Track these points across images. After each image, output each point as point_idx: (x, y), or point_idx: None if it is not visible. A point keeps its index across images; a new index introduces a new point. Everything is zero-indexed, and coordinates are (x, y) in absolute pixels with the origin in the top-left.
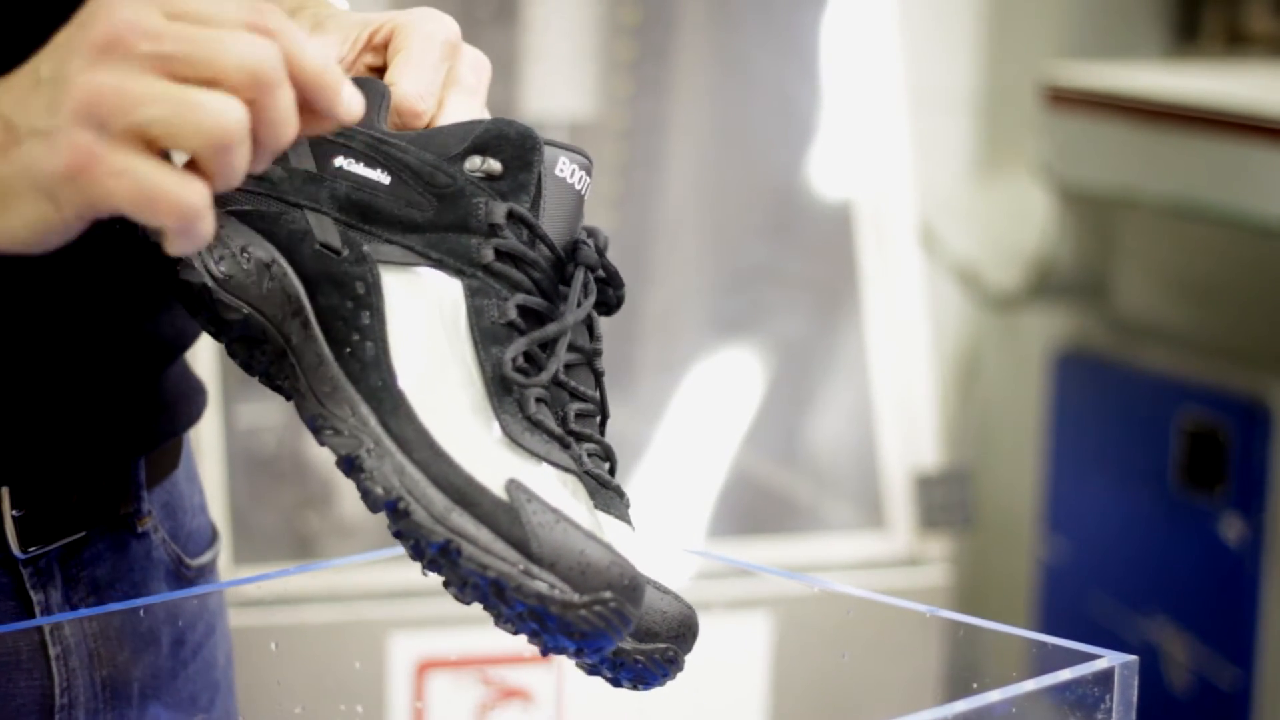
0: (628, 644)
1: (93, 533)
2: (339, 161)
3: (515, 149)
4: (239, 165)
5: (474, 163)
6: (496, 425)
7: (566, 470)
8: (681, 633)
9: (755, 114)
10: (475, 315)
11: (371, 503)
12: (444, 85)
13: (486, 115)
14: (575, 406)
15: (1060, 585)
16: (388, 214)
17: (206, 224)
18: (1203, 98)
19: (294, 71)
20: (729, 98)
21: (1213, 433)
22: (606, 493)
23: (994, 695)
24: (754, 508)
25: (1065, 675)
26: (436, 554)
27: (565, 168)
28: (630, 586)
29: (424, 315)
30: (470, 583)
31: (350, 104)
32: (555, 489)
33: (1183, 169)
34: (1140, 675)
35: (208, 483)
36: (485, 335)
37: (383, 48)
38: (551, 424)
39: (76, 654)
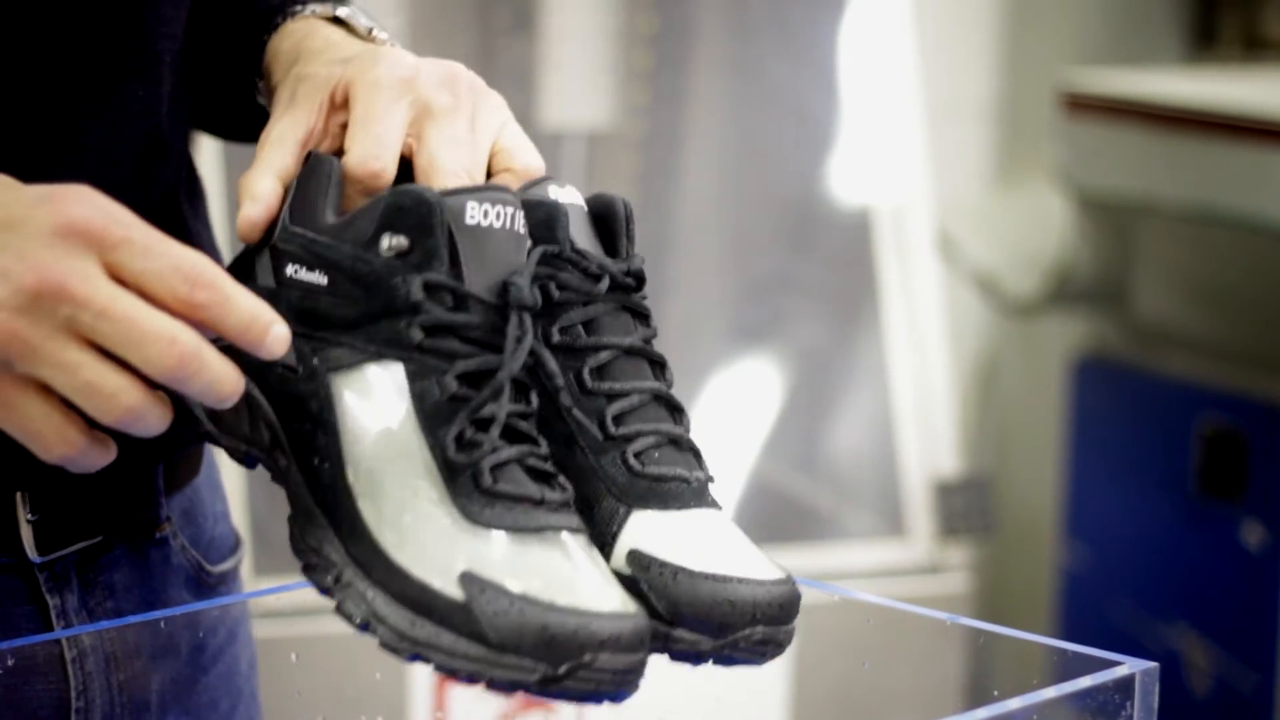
0: (707, 644)
1: (110, 538)
2: (289, 270)
3: (414, 218)
4: (148, 430)
5: (386, 242)
6: (455, 510)
7: (542, 529)
8: (759, 616)
9: (773, 123)
10: (419, 400)
11: (351, 627)
12: (418, 119)
13: (486, 128)
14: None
15: (1081, 592)
16: (330, 315)
17: (97, 451)
18: (1220, 103)
19: (223, 327)
20: (747, 107)
21: (1233, 438)
22: (662, 486)
23: (1015, 702)
24: (774, 516)
25: (1086, 682)
26: (412, 662)
27: (475, 213)
28: (609, 640)
29: (374, 418)
30: (457, 678)
31: (275, 345)
32: (522, 559)
33: (1201, 174)
34: (1161, 681)
35: (229, 495)
36: (431, 418)
37: (344, 106)
38: (516, 485)
39: (93, 658)
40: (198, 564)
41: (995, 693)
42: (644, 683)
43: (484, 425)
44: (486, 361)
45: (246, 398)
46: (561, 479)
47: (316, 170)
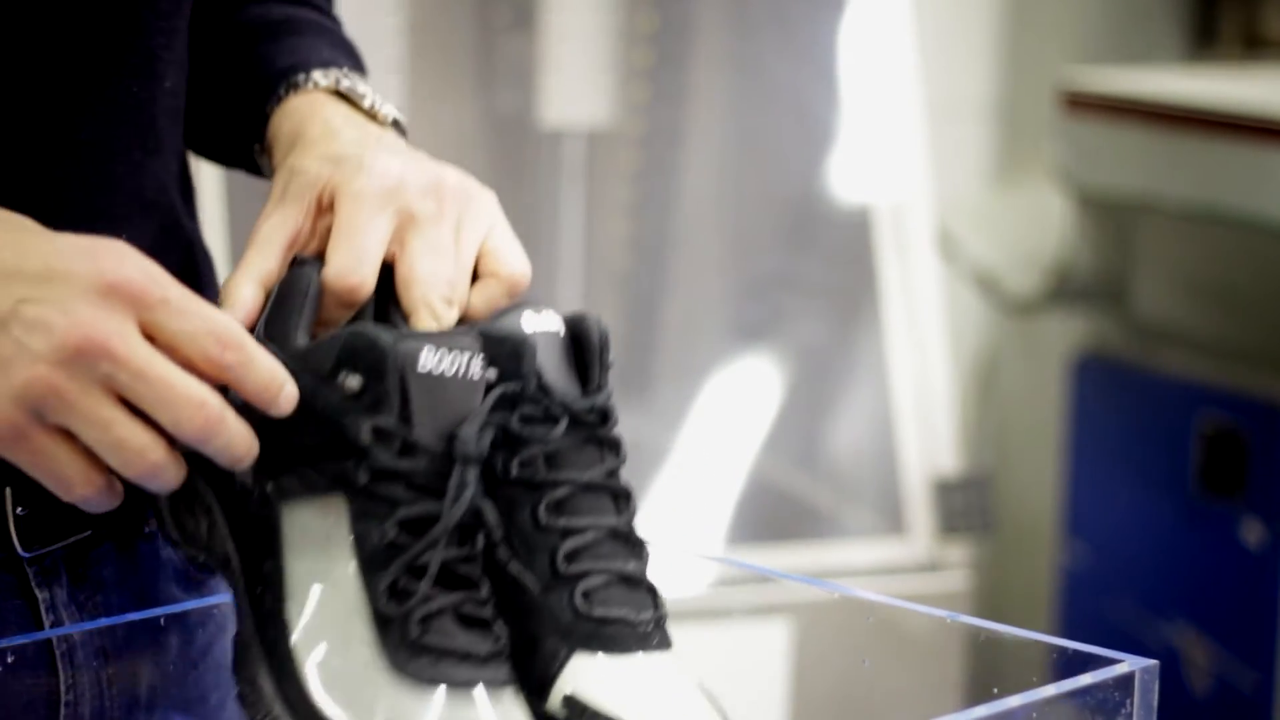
0: None
1: (99, 533)
2: None
3: (367, 361)
4: (164, 486)
5: (341, 379)
6: (384, 659)
7: (464, 684)
8: None
9: (773, 121)
10: (360, 543)
11: None
12: (401, 229)
13: (472, 234)
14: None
15: (1080, 590)
16: (288, 440)
17: (113, 496)
18: (1220, 101)
19: (244, 385)
20: (747, 105)
21: (1233, 436)
22: (606, 629)
23: (1014, 700)
24: (773, 514)
25: (1086, 680)
26: None
27: (429, 360)
28: None
29: (317, 555)
30: None
31: (285, 404)
32: (438, 716)
33: (1201, 173)
34: (1161, 679)
35: None
36: (369, 563)
37: (331, 209)
38: (444, 637)
39: (82, 651)
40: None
41: (995, 690)
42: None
43: (419, 574)
44: (429, 509)
45: (207, 509)
46: (498, 626)
47: (295, 284)
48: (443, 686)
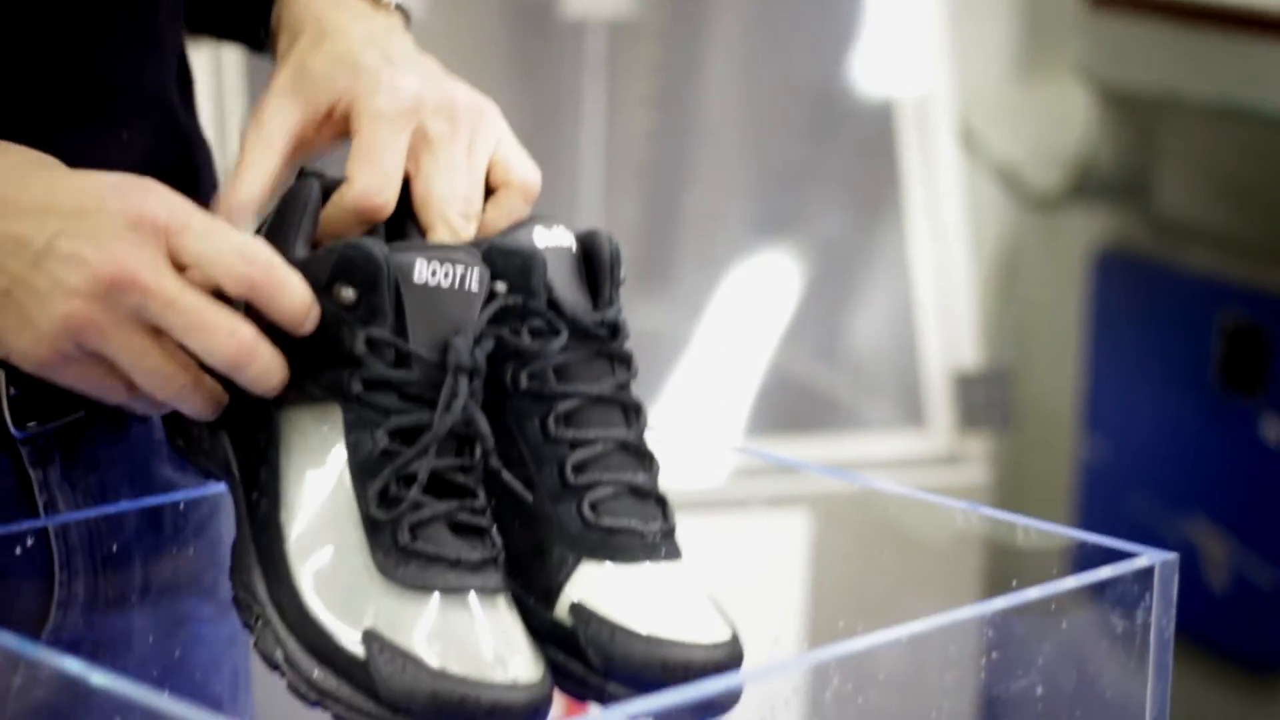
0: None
1: (92, 413)
2: None
3: (363, 273)
4: (199, 412)
5: (337, 291)
6: (373, 564)
7: (454, 590)
8: (691, 679)
9: (796, 13)
10: (353, 451)
11: (267, 666)
12: (416, 148)
13: (483, 148)
14: (468, 507)
15: (1099, 485)
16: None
17: (155, 406)
18: None
19: (273, 303)
20: None
21: (1253, 333)
22: (614, 538)
23: (1033, 593)
24: (794, 406)
25: (1105, 573)
26: (314, 709)
27: (424, 272)
28: (497, 710)
29: (312, 462)
30: None
31: (311, 323)
32: (426, 621)
33: (1224, 69)
34: (1179, 574)
35: None
36: (361, 471)
37: (344, 122)
38: (434, 544)
39: (76, 532)
40: None
41: (1014, 583)
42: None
43: (410, 481)
44: (420, 419)
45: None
46: (493, 535)
47: (298, 196)
48: (433, 592)
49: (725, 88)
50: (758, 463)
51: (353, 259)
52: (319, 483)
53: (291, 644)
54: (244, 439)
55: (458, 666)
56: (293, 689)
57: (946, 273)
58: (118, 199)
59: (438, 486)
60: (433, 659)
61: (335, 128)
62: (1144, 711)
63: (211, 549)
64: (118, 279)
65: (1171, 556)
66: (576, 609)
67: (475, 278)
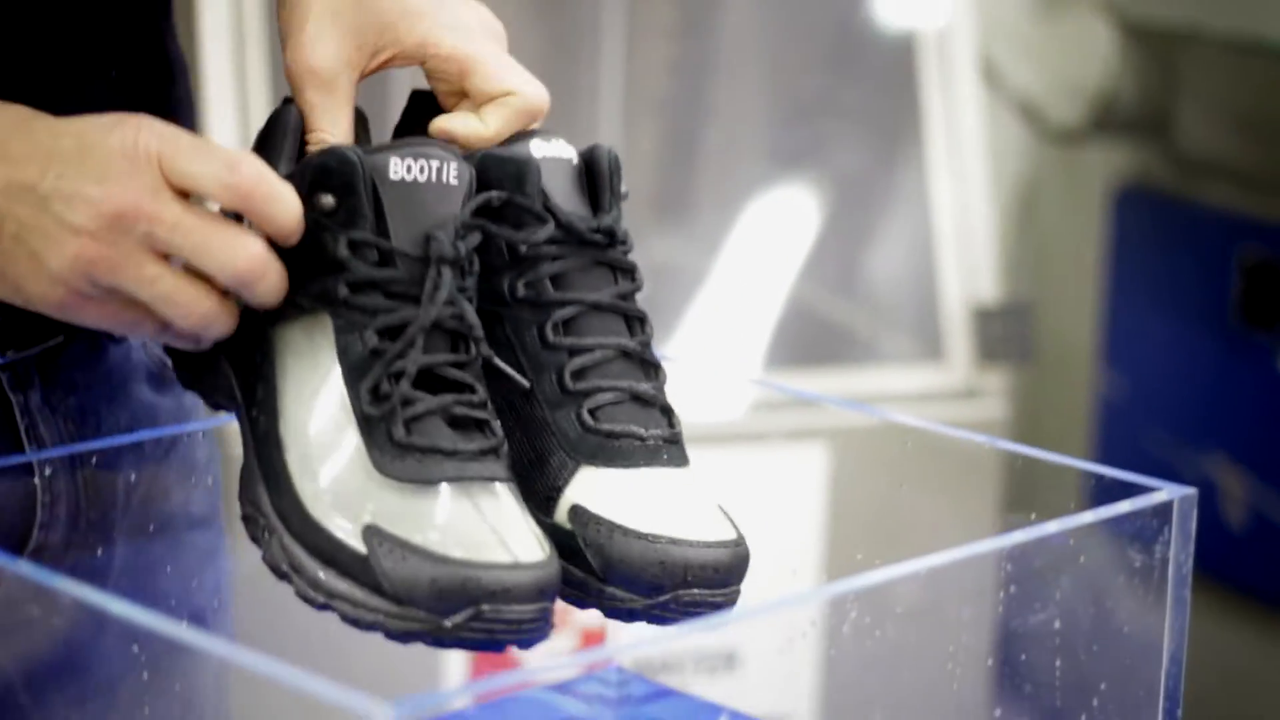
0: (638, 602)
1: (70, 338)
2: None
3: (339, 178)
4: (219, 332)
5: (318, 199)
6: (369, 462)
7: (453, 480)
8: (691, 578)
9: None
10: (344, 355)
11: (275, 577)
12: None
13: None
14: (465, 400)
15: (1117, 421)
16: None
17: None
18: None
19: (261, 210)
20: None
21: (1272, 268)
22: (613, 443)
23: (1052, 526)
24: (812, 339)
25: (1124, 507)
26: (323, 612)
27: (399, 169)
28: (499, 592)
29: (307, 372)
30: (361, 628)
31: (299, 230)
32: (424, 512)
33: (1246, 3)
34: (1197, 510)
35: None
36: (352, 372)
37: (387, 61)
38: (428, 437)
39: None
40: (159, 360)
41: (1032, 517)
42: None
43: (399, 377)
44: (406, 315)
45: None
46: (494, 427)
47: (279, 121)
48: (431, 484)
49: (745, 19)
50: (776, 396)
51: (328, 165)
52: (315, 391)
53: (297, 550)
54: (242, 361)
55: (458, 551)
56: (301, 595)
57: (966, 207)
58: (113, 136)
59: (433, 382)
60: (432, 546)
61: (380, 64)
62: (1161, 646)
63: (190, 467)
64: (121, 211)
65: (1190, 491)
66: (575, 511)
67: (453, 171)
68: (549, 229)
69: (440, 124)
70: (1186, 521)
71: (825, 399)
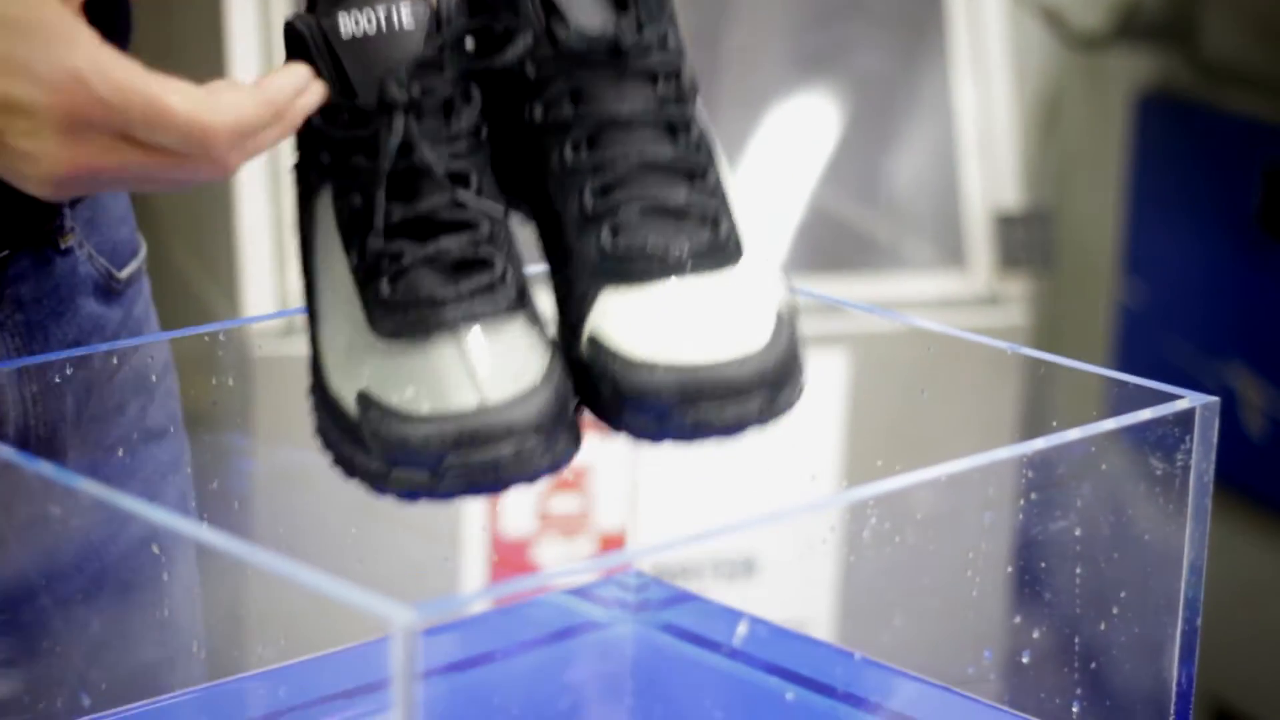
0: (652, 426)
1: (15, 251)
2: None
3: (296, 52)
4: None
5: None
6: (366, 326)
7: (438, 329)
8: (703, 396)
9: None
10: (338, 220)
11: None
12: None
13: None
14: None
15: (1138, 329)
16: (296, 150)
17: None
18: None
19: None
20: None
21: None
22: (629, 263)
23: (1073, 434)
24: (833, 245)
25: (1146, 415)
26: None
27: (348, 25)
28: (463, 440)
29: (324, 245)
30: (368, 489)
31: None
32: (404, 370)
33: None
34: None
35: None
36: (345, 236)
37: None
38: (412, 290)
39: (4, 373)
40: (106, 271)
41: (1054, 424)
42: None
43: (391, 233)
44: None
45: None
46: (496, 260)
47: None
48: (419, 338)
49: None
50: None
51: (290, 39)
52: (327, 264)
53: (324, 422)
54: (300, 242)
55: (426, 406)
56: (333, 464)
57: (989, 112)
58: (51, 94)
59: (435, 228)
60: (405, 406)
61: None
62: (1181, 555)
63: (137, 377)
64: (75, 174)
65: (1213, 400)
66: (591, 341)
67: (403, 14)
68: (526, 40)
69: None
70: (1208, 430)
71: (847, 303)
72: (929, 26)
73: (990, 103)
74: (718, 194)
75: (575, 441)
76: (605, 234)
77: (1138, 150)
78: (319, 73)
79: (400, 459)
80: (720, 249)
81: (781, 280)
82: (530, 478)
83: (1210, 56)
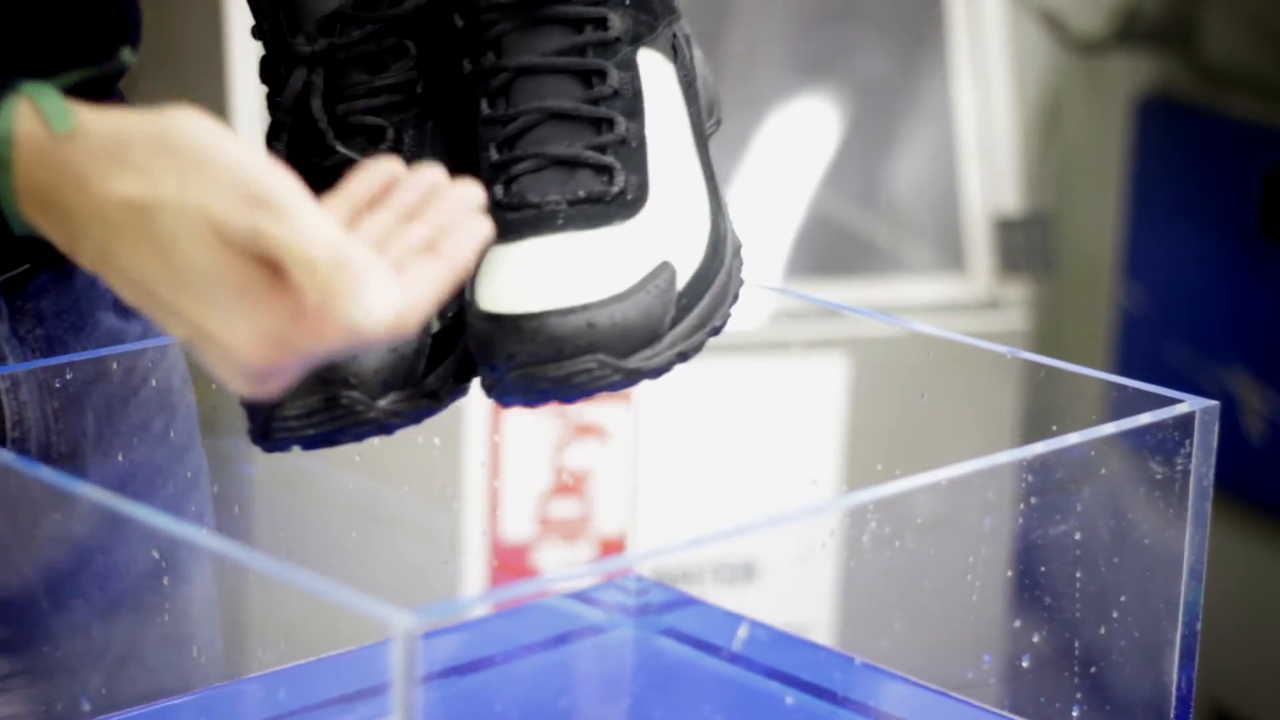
0: (489, 380)
1: (36, 265)
2: None
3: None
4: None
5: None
6: None
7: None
8: (508, 354)
9: None
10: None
11: None
12: None
13: None
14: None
15: (1138, 332)
16: None
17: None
18: None
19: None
20: None
21: None
22: (510, 215)
23: (1073, 437)
24: (833, 249)
25: (1146, 418)
26: None
27: None
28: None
29: None
30: None
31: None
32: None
33: None
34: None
35: None
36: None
37: None
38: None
39: (26, 386)
40: None
41: (1054, 428)
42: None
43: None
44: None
45: None
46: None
47: None
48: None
49: None
50: (797, 305)
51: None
52: None
53: None
54: None
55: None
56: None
57: (989, 116)
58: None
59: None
60: None
61: None
62: (1181, 559)
63: (161, 394)
64: (261, 370)
65: (1212, 404)
66: (464, 303)
67: None
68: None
69: None
70: (1208, 434)
71: (846, 308)
72: (929, 30)
73: (990, 106)
74: (625, 145)
75: (421, 399)
76: (499, 188)
77: (1138, 154)
78: (260, 28)
79: (295, 406)
80: (605, 201)
81: (704, 245)
82: (361, 432)
83: (1210, 60)
